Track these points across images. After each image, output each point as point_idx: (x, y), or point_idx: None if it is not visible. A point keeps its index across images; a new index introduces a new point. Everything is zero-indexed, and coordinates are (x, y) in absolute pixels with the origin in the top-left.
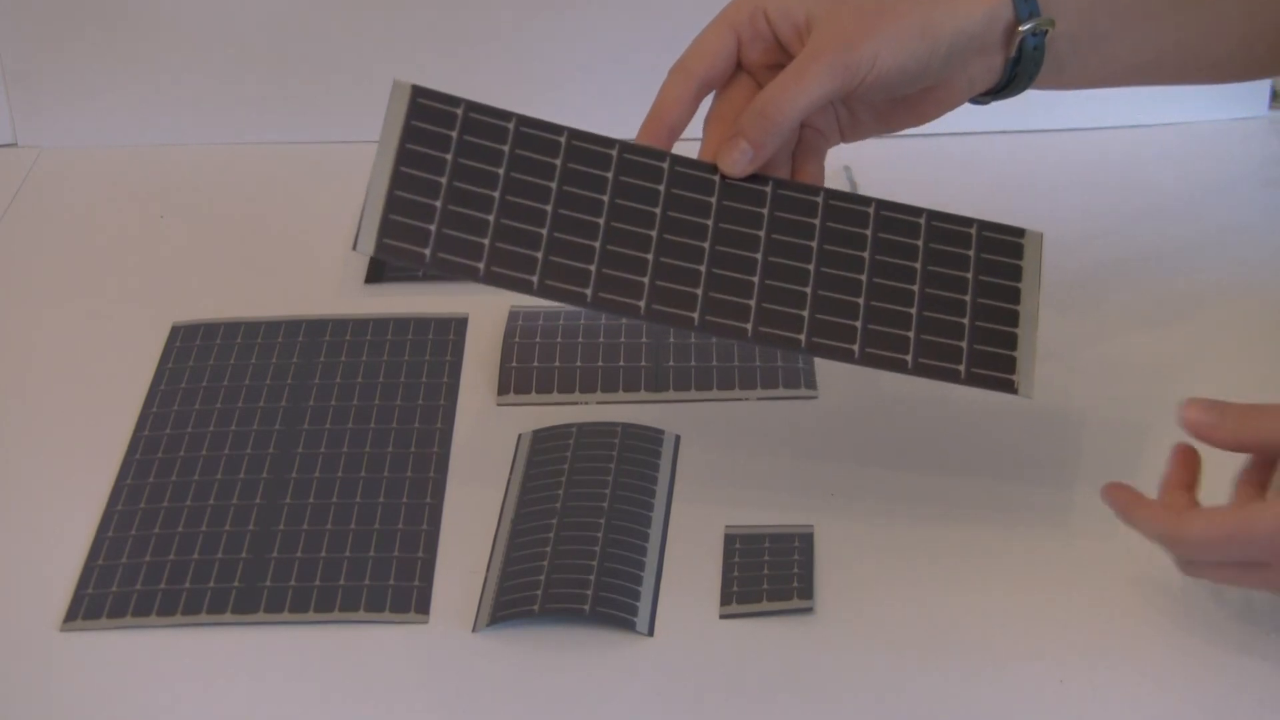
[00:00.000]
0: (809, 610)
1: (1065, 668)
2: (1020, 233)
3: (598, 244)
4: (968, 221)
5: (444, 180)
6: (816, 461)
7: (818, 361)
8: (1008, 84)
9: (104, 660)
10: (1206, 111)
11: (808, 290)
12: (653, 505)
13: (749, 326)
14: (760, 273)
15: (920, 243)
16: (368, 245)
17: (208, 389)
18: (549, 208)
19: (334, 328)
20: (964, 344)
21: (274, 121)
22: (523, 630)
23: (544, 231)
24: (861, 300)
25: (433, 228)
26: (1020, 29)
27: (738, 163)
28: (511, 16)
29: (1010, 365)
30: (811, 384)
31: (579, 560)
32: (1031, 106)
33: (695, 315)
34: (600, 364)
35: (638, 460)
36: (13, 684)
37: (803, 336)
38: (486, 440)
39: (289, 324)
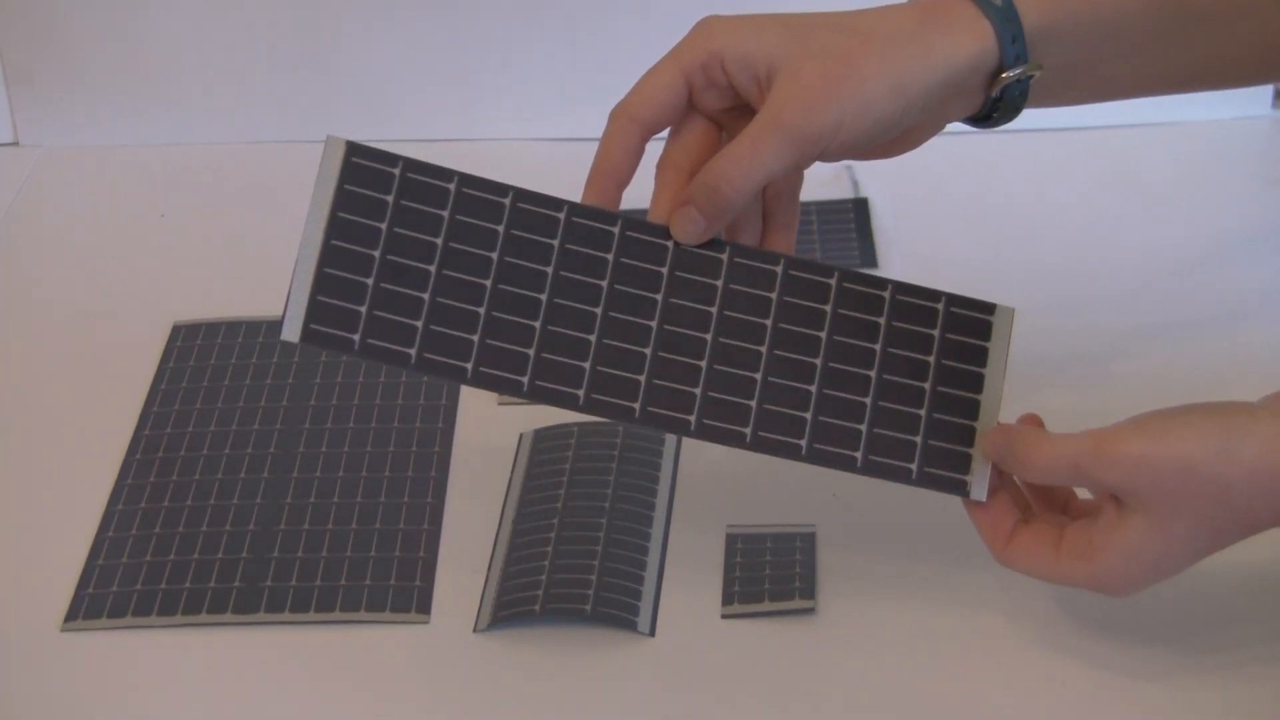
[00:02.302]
0: (811, 610)
1: (1067, 669)
2: (990, 309)
3: (538, 324)
4: (935, 295)
5: (377, 254)
6: None
7: None
8: (986, 118)
9: (104, 660)
10: (1207, 111)
11: (758, 377)
12: (654, 505)
13: (692, 420)
14: (709, 357)
15: (883, 320)
16: (293, 332)
17: (208, 388)
18: (488, 283)
19: None
20: (919, 439)
21: (274, 121)
22: (524, 630)
23: (481, 311)
24: (814, 389)
25: (363, 310)
26: (1005, 76)
27: (690, 233)
28: (512, 15)
29: (965, 464)
30: None
31: (580, 560)
32: None
33: (636, 406)
34: None
35: (639, 460)
36: (13, 684)
37: (748, 431)
38: (488, 440)
39: None
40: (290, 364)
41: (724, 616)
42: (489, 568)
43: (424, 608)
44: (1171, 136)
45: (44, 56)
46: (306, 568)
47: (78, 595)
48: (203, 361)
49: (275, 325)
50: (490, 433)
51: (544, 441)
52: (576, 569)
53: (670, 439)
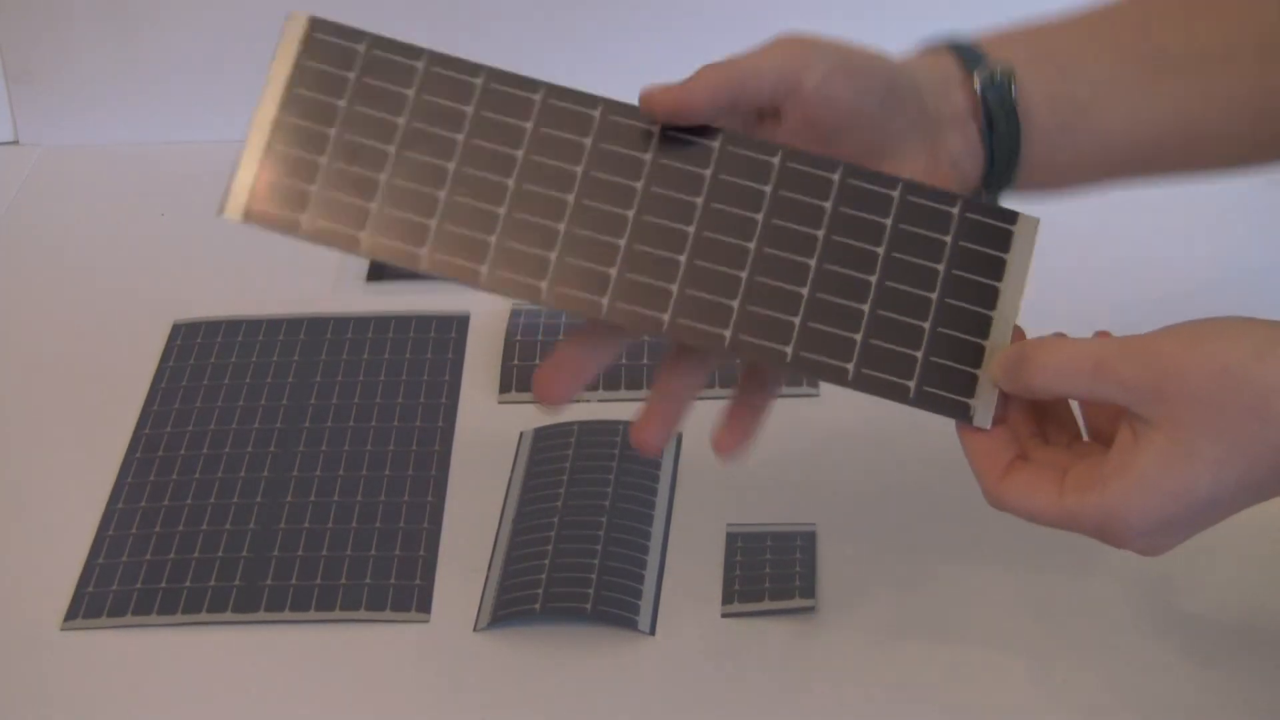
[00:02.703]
0: (811, 609)
1: (1067, 668)
2: (1012, 217)
3: (503, 210)
4: (950, 199)
5: (333, 132)
6: (819, 460)
7: None
8: (992, 158)
9: (105, 659)
10: None
11: (743, 275)
12: (654, 504)
13: (665, 318)
14: (689, 252)
15: (889, 221)
16: (235, 209)
17: (209, 387)
18: (451, 165)
19: (335, 326)
20: (920, 354)
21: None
22: (524, 629)
23: (441, 194)
24: (806, 291)
25: (313, 189)
26: (975, 78)
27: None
28: (513, 15)
29: (969, 386)
30: (814, 382)
31: (581, 559)
32: None
33: (604, 301)
34: None
35: (639, 459)
36: (13, 683)
37: (727, 333)
38: (488, 438)
39: (290, 322)
40: (290, 363)
41: (724, 615)
42: (489, 567)
43: (424, 607)
44: None
45: (44, 55)
46: (307, 566)
47: (78, 594)
48: (203, 360)
49: (276, 324)
50: (490, 431)
51: (544, 440)
52: (577, 568)
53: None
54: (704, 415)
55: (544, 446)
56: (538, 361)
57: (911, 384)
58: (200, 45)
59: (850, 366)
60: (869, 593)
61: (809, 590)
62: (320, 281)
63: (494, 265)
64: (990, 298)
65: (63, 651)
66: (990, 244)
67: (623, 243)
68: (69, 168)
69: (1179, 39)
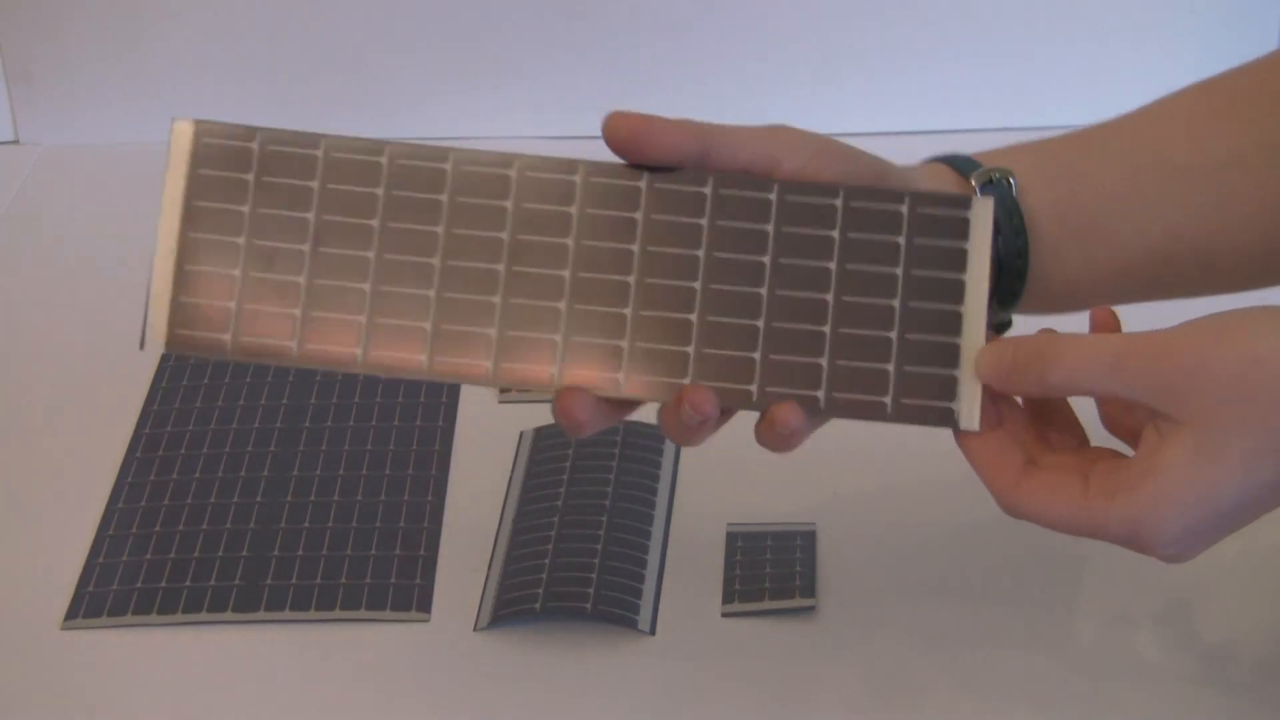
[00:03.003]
0: (811, 609)
1: (1067, 669)
2: (965, 202)
3: (432, 293)
4: (897, 197)
5: (241, 240)
6: (819, 460)
7: None
8: (1000, 267)
9: (105, 659)
10: None
11: (693, 319)
12: (654, 503)
13: (619, 377)
14: (633, 304)
15: (836, 234)
16: (156, 341)
17: (209, 387)
18: (371, 255)
19: None
20: (890, 367)
21: (273, 121)
22: (524, 629)
23: (366, 288)
24: (761, 324)
25: (233, 304)
26: (972, 180)
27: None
28: (512, 14)
29: (950, 389)
30: None
31: (581, 558)
32: (1027, 102)
33: (554, 370)
34: None
35: (640, 458)
36: (13, 683)
37: (686, 382)
38: (488, 438)
39: None
40: None
41: (724, 615)
42: (489, 566)
43: (424, 606)
44: None
45: (44, 55)
46: (307, 566)
47: (78, 593)
48: (202, 360)
49: None
50: (490, 431)
51: (544, 440)
52: (577, 567)
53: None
54: None
55: (544, 446)
56: None
57: (887, 400)
58: (200, 45)
59: (820, 394)
60: (869, 593)
61: (809, 590)
62: None
63: (435, 352)
64: (956, 292)
65: (63, 651)
66: (947, 235)
67: (562, 306)
68: (69, 168)
69: (1186, 148)
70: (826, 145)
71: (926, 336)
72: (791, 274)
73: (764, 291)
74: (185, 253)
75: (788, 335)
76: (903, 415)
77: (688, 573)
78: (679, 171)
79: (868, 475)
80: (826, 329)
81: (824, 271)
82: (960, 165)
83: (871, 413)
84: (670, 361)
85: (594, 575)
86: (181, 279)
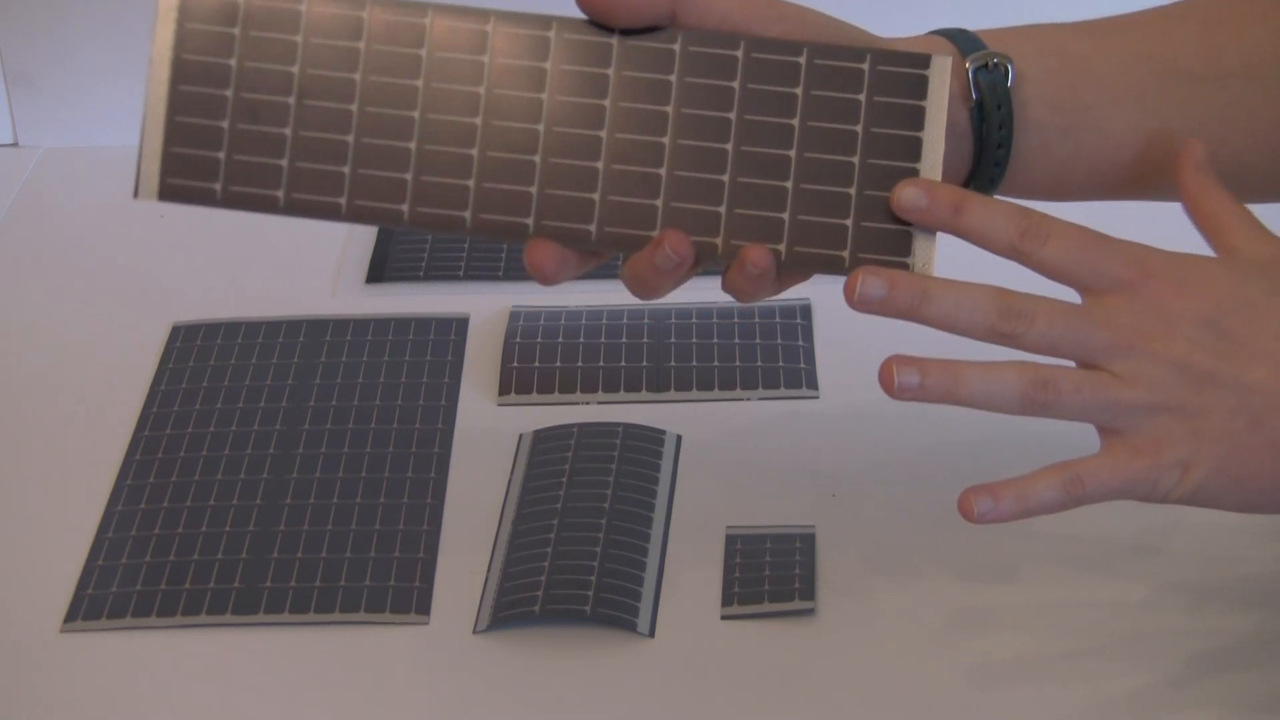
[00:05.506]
0: (810, 611)
1: (1067, 671)
2: (924, 61)
3: (413, 145)
4: (858, 55)
5: (229, 93)
6: (818, 462)
7: (819, 361)
8: (982, 150)
9: (104, 661)
10: None
11: (661, 172)
12: (654, 506)
13: (592, 229)
14: (604, 157)
15: (799, 91)
16: (149, 189)
17: (208, 389)
18: (354, 107)
19: (334, 328)
20: (849, 222)
21: None
22: (524, 631)
23: (349, 139)
24: (726, 178)
25: (221, 155)
26: (968, 62)
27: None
28: None
29: (905, 244)
30: (813, 384)
31: (580, 561)
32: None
33: (530, 221)
34: (601, 364)
35: (639, 461)
36: (13, 685)
37: (655, 232)
38: (487, 441)
39: (289, 324)
40: (290, 365)
41: (724, 617)
42: (488, 568)
43: (424, 608)
44: None
45: (44, 57)
46: (306, 569)
47: (77, 596)
48: (202, 362)
49: (276, 326)
50: (490, 433)
51: (544, 442)
52: (576, 570)
53: (669, 440)
54: (705, 416)
55: (543, 448)
56: (537, 363)
57: (845, 254)
58: None
59: (781, 248)
60: (868, 595)
61: (808, 592)
62: (320, 283)
63: (414, 203)
64: (914, 150)
65: (62, 653)
66: (906, 94)
67: (537, 159)
68: (69, 168)
69: (1197, 53)
70: (801, 13)
71: (884, 193)
72: (756, 130)
73: (730, 147)
74: (175, 105)
75: (752, 190)
76: (860, 269)
77: (687, 575)
78: (650, 31)
79: (868, 477)
80: (789, 184)
81: (787, 128)
82: (963, 43)
83: (830, 266)
84: (640, 214)
85: (593, 578)
86: (172, 130)
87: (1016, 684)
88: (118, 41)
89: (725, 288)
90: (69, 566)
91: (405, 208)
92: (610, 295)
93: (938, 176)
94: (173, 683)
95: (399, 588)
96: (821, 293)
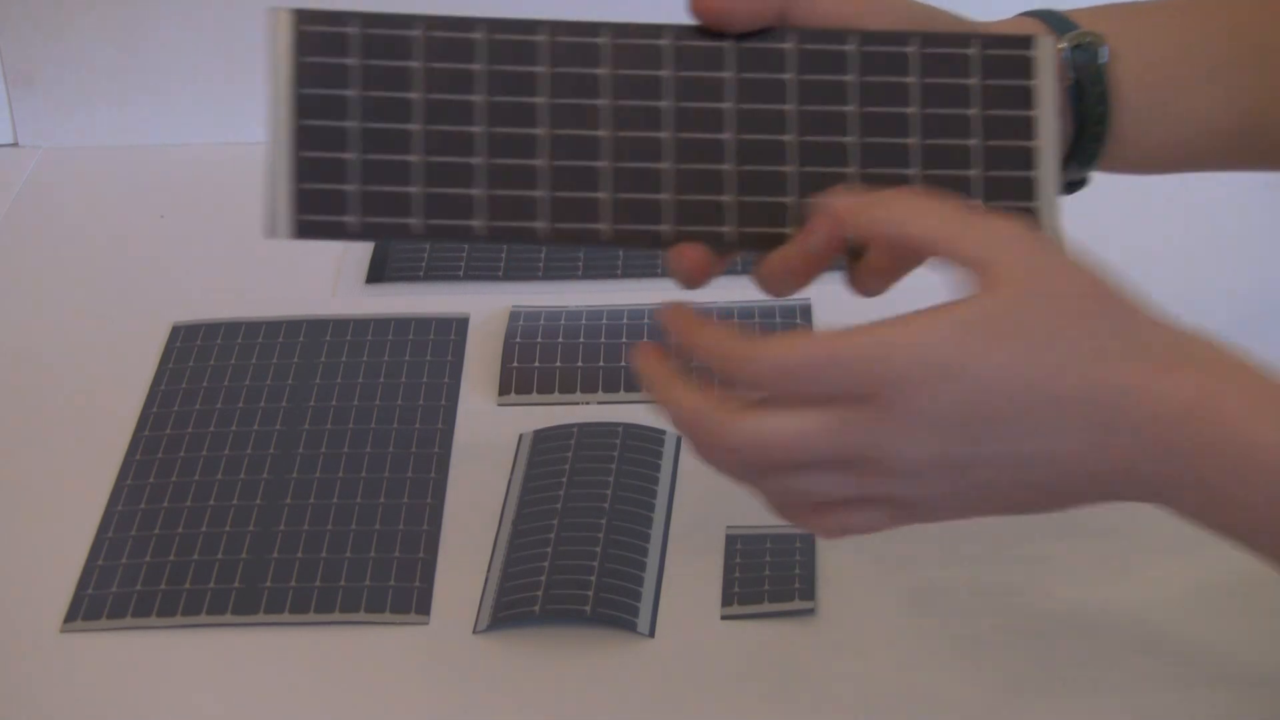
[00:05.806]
0: (811, 611)
1: (1068, 671)
2: (1027, 42)
3: (542, 162)
4: (965, 40)
5: (354, 125)
6: None
7: None
8: (1081, 129)
9: (104, 661)
10: None
11: (789, 170)
12: (654, 506)
13: (727, 230)
14: (735, 158)
15: (914, 80)
16: (283, 227)
17: (208, 389)
18: (480, 129)
19: (334, 328)
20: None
21: None
22: (523, 631)
23: (478, 161)
24: (854, 170)
25: (352, 189)
26: (1062, 42)
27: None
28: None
29: (1032, 222)
30: None
31: (580, 561)
32: None
33: (667, 229)
34: (602, 364)
35: (639, 461)
36: (13, 685)
37: (786, 230)
38: (487, 441)
39: (290, 324)
40: (290, 365)
41: (724, 617)
42: (488, 568)
43: (423, 608)
44: None
45: (44, 57)
46: (306, 569)
47: (77, 596)
48: (202, 362)
49: (276, 326)
50: (490, 433)
51: (544, 442)
52: (576, 569)
53: (669, 440)
54: None
55: (543, 448)
56: (537, 364)
57: None
58: (200, 46)
59: None
60: (869, 595)
61: (809, 592)
62: (320, 283)
63: (554, 219)
64: (1028, 129)
65: (62, 653)
66: (1015, 75)
67: (669, 166)
68: (69, 168)
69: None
70: (901, 3)
71: (1004, 173)
72: (876, 122)
73: (852, 140)
74: (300, 140)
75: (879, 180)
76: None
77: (687, 575)
78: (762, 32)
79: None
80: (913, 172)
81: (906, 117)
82: (1054, 23)
83: None
84: (773, 212)
85: (593, 578)
86: (300, 165)
87: (1017, 684)
88: (118, 42)
89: (853, 285)
90: (69, 566)
91: (541, 224)
92: (610, 295)
93: (1055, 152)
94: (173, 683)
95: (399, 588)
96: (822, 293)
